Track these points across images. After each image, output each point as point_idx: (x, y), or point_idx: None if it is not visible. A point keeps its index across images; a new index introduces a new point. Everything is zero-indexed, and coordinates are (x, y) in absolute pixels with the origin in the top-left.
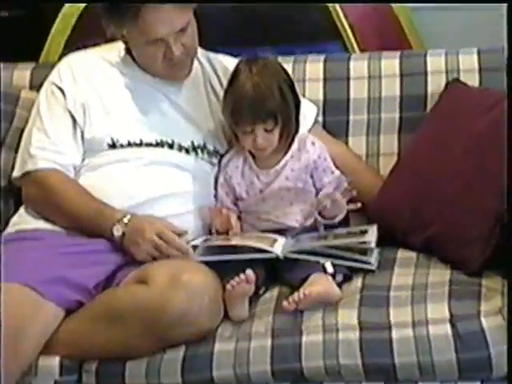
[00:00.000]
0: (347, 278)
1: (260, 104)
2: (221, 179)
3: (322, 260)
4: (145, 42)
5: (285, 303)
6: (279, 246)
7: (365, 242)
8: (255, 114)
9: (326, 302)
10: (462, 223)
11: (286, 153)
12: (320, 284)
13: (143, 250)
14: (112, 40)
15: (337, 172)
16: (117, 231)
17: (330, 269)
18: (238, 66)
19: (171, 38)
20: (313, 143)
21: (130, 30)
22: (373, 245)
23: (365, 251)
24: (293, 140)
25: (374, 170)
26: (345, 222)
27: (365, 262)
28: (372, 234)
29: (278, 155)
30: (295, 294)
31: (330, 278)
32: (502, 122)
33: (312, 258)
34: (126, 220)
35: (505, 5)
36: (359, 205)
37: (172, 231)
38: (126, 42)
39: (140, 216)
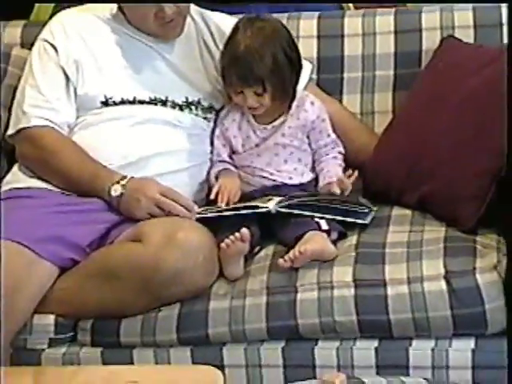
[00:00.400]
0: (342, 236)
1: (247, 69)
2: (217, 131)
3: (315, 214)
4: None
5: (280, 261)
6: (272, 203)
7: (360, 204)
8: (242, 77)
9: (321, 260)
10: (457, 181)
11: (284, 111)
12: (315, 241)
13: (144, 208)
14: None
15: (333, 135)
16: (114, 191)
17: (324, 226)
18: (237, 23)
19: None
20: (312, 103)
21: None
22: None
23: (360, 204)
24: (291, 102)
25: (368, 128)
26: None
27: (359, 216)
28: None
29: (276, 112)
30: (290, 252)
31: (324, 235)
32: (498, 79)
33: (305, 212)
34: (124, 182)
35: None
36: (356, 173)
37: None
38: (117, 2)
39: (137, 181)
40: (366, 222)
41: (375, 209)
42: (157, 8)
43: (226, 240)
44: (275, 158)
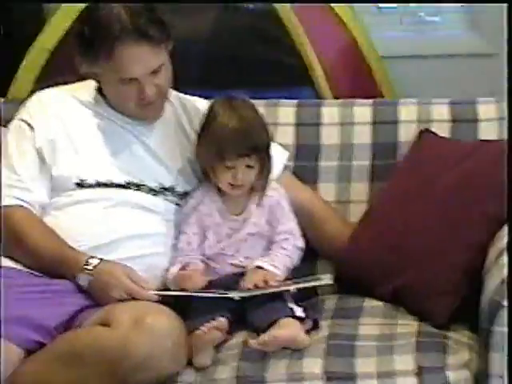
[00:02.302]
0: (315, 325)
1: (247, 137)
2: (192, 219)
3: (278, 289)
4: (118, 80)
5: (252, 342)
6: (234, 292)
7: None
8: (241, 147)
9: (294, 347)
10: (431, 274)
11: (251, 198)
12: (289, 328)
13: (114, 294)
14: (83, 78)
15: (289, 225)
16: (82, 281)
17: (299, 313)
18: (213, 105)
19: (144, 79)
20: (274, 189)
21: (103, 67)
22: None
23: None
24: (264, 188)
25: (342, 217)
26: None
27: (319, 279)
28: (326, 279)
29: (244, 200)
30: (264, 336)
31: (298, 323)
32: (473, 174)
33: (267, 291)
34: (90, 268)
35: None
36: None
37: (136, 281)
38: (98, 81)
39: (105, 265)
40: (330, 281)
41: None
42: (138, 89)
43: (202, 327)
44: (243, 244)
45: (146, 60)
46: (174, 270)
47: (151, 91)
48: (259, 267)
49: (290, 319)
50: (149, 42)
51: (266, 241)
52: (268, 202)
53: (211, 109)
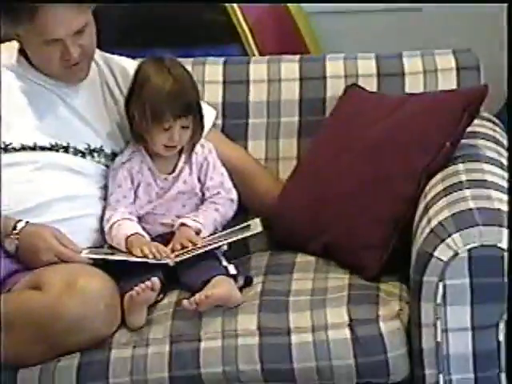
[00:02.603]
0: (248, 282)
1: (182, 97)
2: (124, 172)
3: (211, 247)
4: (41, 41)
5: (185, 302)
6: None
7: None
8: (177, 108)
9: (227, 306)
10: (359, 228)
11: (180, 156)
12: (223, 286)
13: (43, 257)
14: (4, 40)
15: (219, 179)
16: (9, 245)
17: (232, 270)
18: (142, 66)
19: (68, 39)
20: (201, 145)
21: (25, 29)
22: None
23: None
24: (193, 149)
25: (272, 174)
26: None
27: (248, 229)
28: (256, 226)
29: (174, 159)
30: (196, 295)
31: (232, 280)
32: (400, 127)
33: (201, 251)
34: (16, 232)
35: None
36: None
37: (65, 245)
38: (20, 42)
39: (31, 228)
40: (260, 229)
41: (257, 220)
42: (62, 50)
43: (136, 288)
44: (174, 203)
45: (69, 20)
46: (114, 218)
47: (76, 52)
48: (183, 224)
49: (223, 277)
50: (71, 1)
51: (198, 198)
52: (196, 159)
53: (141, 70)
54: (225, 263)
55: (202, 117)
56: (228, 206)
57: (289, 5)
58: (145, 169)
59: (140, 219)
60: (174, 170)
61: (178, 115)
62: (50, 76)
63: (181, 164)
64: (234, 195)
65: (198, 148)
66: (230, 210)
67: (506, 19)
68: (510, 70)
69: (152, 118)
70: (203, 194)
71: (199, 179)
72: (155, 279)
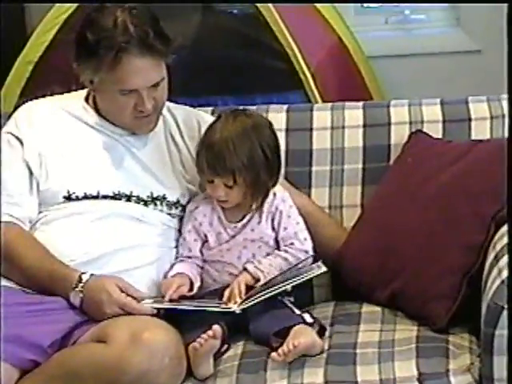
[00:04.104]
0: (322, 331)
1: (219, 158)
2: (189, 226)
3: (277, 290)
4: (117, 90)
5: (274, 355)
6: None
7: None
8: (212, 166)
9: (311, 353)
10: (427, 278)
11: (253, 207)
12: (306, 335)
13: (107, 310)
14: (69, 90)
15: (292, 229)
16: (73, 298)
17: (309, 319)
18: (221, 113)
19: (145, 91)
20: (274, 194)
21: (104, 76)
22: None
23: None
24: (263, 201)
25: (337, 222)
26: None
27: (312, 270)
28: (319, 267)
29: (245, 208)
30: (284, 346)
31: (310, 328)
32: (466, 174)
33: (266, 295)
34: (81, 286)
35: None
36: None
37: (129, 295)
38: (92, 90)
39: (95, 281)
40: (324, 269)
41: (320, 263)
42: (136, 101)
43: (199, 339)
44: (243, 251)
45: (148, 73)
46: (170, 274)
47: (150, 104)
48: (245, 269)
49: (303, 326)
50: (153, 54)
51: (270, 247)
52: (267, 208)
53: (215, 119)
54: (298, 312)
55: (255, 181)
56: (301, 256)
57: (350, 49)
58: (214, 217)
59: (209, 265)
60: (242, 219)
61: (215, 173)
62: (116, 125)
63: (250, 213)
64: (309, 246)
65: (269, 197)
66: (300, 260)
67: (506, 19)
68: (510, 71)
69: (196, 166)
70: (278, 244)
71: (273, 228)
72: (216, 327)
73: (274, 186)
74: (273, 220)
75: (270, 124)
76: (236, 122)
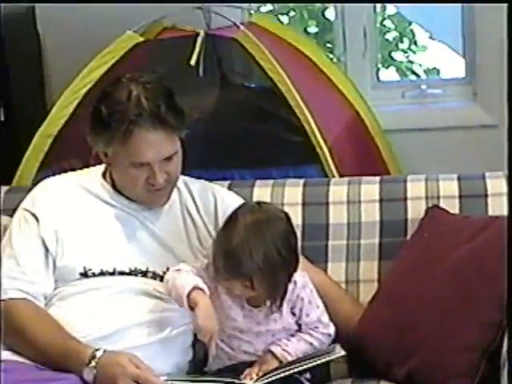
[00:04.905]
0: None
1: (236, 264)
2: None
3: (295, 370)
4: (129, 163)
5: None
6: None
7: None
8: (230, 270)
9: None
10: (445, 355)
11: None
12: None
13: None
14: (88, 165)
15: (315, 314)
16: (87, 375)
17: None
18: (237, 210)
19: (156, 165)
20: (294, 282)
21: (117, 149)
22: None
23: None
24: (282, 298)
25: (353, 298)
26: None
27: (329, 354)
28: (338, 350)
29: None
30: None
31: None
32: (484, 250)
33: (283, 374)
34: (94, 362)
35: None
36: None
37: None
38: (108, 164)
39: (108, 356)
40: (342, 352)
41: (339, 346)
42: (148, 174)
43: None
44: (263, 338)
45: (160, 146)
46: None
47: (162, 178)
48: (270, 351)
49: None
50: (165, 128)
51: (292, 331)
52: (289, 296)
53: (230, 217)
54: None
55: (271, 283)
56: (324, 340)
57: (367, 123)
58: (236, 303)
59: (222, 341)
60: (263, 305)
61: (233, 276)
62: (131, 199)
63: (273, 307)
64: (332, 330)
65: (290, 285)
66: (324, 345)
67: (506, 19)
68: (510, 71)
69: (213, 267)
70: (299, 326)
71: (293, 314)
72: None
73: (290, 280)
74: (293, 307)
75: (287, 217)
76: (250, 221)
